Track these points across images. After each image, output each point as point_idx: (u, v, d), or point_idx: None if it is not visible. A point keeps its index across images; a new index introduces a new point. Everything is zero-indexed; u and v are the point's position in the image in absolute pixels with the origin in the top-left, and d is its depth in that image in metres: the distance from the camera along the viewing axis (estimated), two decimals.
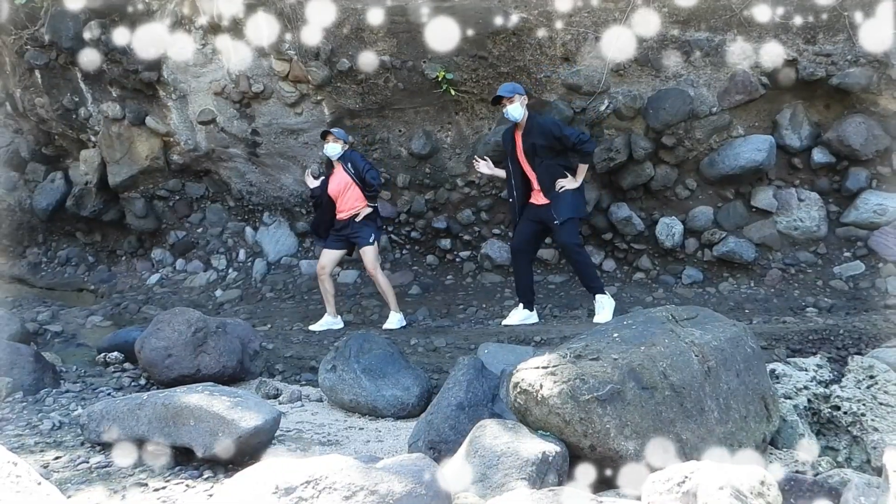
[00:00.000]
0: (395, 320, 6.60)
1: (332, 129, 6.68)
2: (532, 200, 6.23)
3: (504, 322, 6.37)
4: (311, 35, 6.76)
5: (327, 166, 6.97)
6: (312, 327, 6.72)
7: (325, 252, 6.84)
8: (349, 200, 6.65)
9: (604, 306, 6.04)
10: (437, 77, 6.79)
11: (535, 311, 6.41)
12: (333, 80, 7.04)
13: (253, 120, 7.62)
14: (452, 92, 6.88)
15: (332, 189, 6.68)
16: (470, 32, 6.51)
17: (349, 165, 6.59)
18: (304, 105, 7.37)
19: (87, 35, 7.59)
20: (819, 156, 6.57)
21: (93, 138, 8.67)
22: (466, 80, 6.86)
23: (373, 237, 6.65)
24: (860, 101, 6.40)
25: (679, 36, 6.36)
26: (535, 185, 6.15)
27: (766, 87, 6.44)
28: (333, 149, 6.61)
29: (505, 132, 6.39)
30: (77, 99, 8.39)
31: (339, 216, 6.72)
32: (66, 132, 8.88)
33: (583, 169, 6.06)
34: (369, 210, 6.62)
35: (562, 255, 6.77)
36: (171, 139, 8.13)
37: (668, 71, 6.52)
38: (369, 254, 6.62)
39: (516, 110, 5.97)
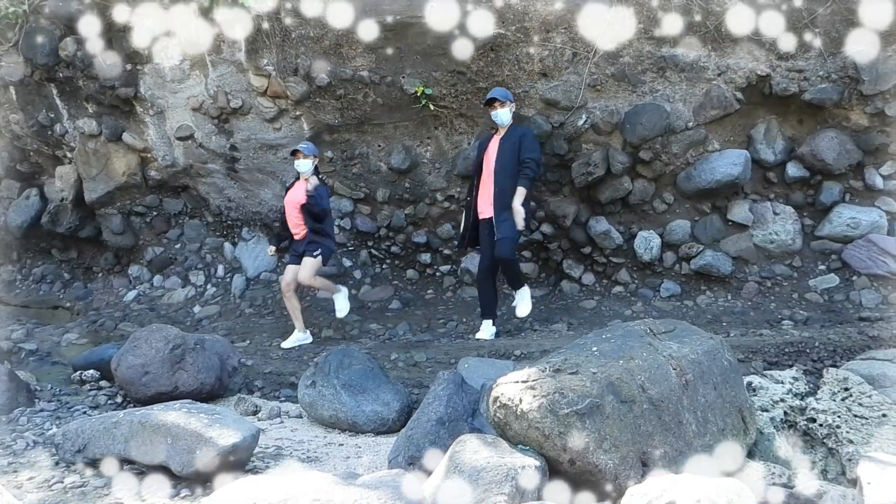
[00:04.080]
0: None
1: (300, 146, 6.67)
2: (480, 216, 6.39)
3: (478, 336, 6.41)
4: (290, 51, 6.78)
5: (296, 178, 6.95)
6: (284, 344, 6.67)
7: (288, 269, 6.84)
8: (294, 222, 6.73)
9: (524, 298, 6.44)
10: (416, 92, 6.82)
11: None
12: (312, 96, 7.05)
13: (231, 135, 7.60)
14: (431, 107, 6.92)
15: (286, 202, 6.81)
16: (448, 48, 6.56)
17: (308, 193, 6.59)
18: (282, 120, 7.36)
19: (62, 52, 7.54)
20: (793, 170, 6.66)
21: (69, 154, 8.60)
22: (445, 96, 6.90)
23: (318, 251, 6.65)
24: (832, 116, 6.51)
25: (654, 52, 6.44)
26: (488, 194, 6.29)
27: (740, 102, 6.53)
28: (303, 164, 6.65)
29: (482, 140, 6.57)
30: (53, 115, 8.32)
31: (293, 234, 6.79)
32: (42, 149, 8.80)
33: (520, 192, 6.15)
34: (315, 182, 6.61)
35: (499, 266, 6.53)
36: (149, 155, 8.08)
37: (644, 86, 6.59)
38: (308, 265, 6.61)
39: (505, 115, 6.24)
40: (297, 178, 6.83)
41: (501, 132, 6.35)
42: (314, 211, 6.57)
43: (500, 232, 6.18)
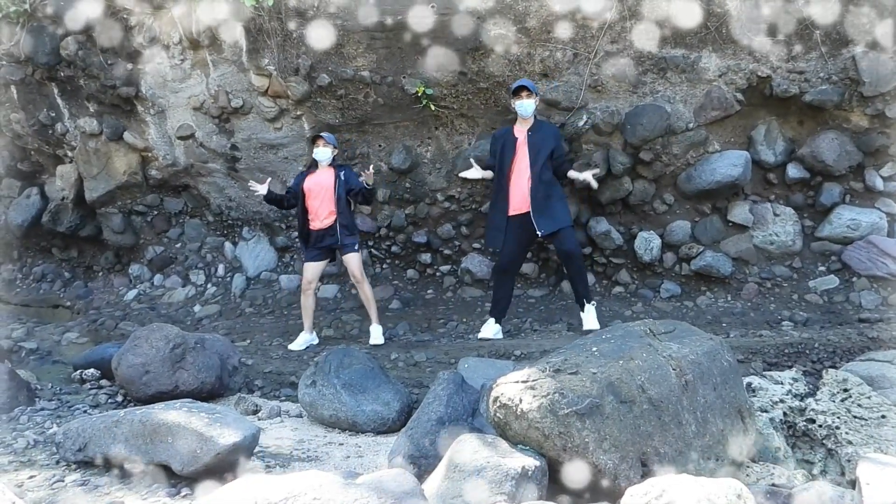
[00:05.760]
0: (377, 333, 6.56)
1: (322, 134, 6.57)
2: (512, 212, 6.19)
3: (480, 336, 6.37)
4: (291, 50, 6.79)
5: (309, 166, 6.85)
6: (292, 346, 6.56)
7: (308, 266, 6.64)
8: (325, 209, 6.52)
9: (592, 313, 6.15)
10: (417, 92, 6.82)
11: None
12: (313, 96, 7.05)
13: (232, 135, 7.60)
14: (432, 107, 6.92)
15: (310, 188, 6.54)
16: (449, 48, 6.56)
17: (342, 176, 6.50)
18: (283, 120, 7.37)
19: (63, 51, 7.54)
20: (793, 171, 6.67)
21: (69, 154, 8.61)
22: (446, 96, 6.90)
23: (357, 245, 6.59)
24: (833, 118, 6.52)
25: (655, 53, 6.44)
26: (521, 189, 6.12)
27: (740, 103, 6.54)
28: (324, 153, 6.53)
29: (501, 133, 6.39)
30: (54, 114, 8.32)
31: (313, 225, 6.58)
32: (43, 148, 8.81)
33: (571, 172, 6.21)
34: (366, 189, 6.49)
35: (564, 262, 6.42)
36: (150, 154, 8.09)
37: (645, 87, 6.60)
38: (355, 260, 6.52)
39: (531, 106, 6.14)
40: (314, 166, 6.65)
41: (525, 124, 6.22)
42: (370, 197, 6.58)
43: (556, 222, 6.03)
